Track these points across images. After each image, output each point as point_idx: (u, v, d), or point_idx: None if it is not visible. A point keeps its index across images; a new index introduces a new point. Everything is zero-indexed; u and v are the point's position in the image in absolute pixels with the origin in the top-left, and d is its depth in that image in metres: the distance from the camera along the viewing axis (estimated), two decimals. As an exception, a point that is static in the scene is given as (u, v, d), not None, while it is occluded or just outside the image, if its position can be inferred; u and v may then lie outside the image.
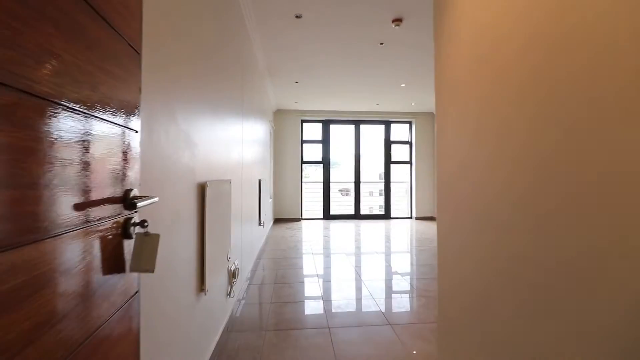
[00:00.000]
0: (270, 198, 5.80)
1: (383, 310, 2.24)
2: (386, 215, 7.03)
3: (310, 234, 5.29)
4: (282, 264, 3.46)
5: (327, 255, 3.88)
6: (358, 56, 3.65)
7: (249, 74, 2.90)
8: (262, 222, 3.82)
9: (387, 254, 3.96)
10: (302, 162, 6.83)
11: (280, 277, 3.01)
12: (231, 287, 2.04)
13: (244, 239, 2.69)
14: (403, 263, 3.58)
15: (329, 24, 2.86)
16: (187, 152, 1.24)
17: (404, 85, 4.81)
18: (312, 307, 2.32)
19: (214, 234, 1.54)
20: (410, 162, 7.14)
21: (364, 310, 2.27)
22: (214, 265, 1.55)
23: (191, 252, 1.29)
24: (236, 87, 2.30)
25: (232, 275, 2.07)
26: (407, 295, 2.57)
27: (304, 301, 2.45)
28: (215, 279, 1.61)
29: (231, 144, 2.12)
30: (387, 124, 7.04)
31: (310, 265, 3.44)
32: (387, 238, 5.01)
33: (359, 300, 2.46)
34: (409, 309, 2.28)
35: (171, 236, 1.07)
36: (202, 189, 1.41)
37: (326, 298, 2.48)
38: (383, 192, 7.12)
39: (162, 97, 1.01)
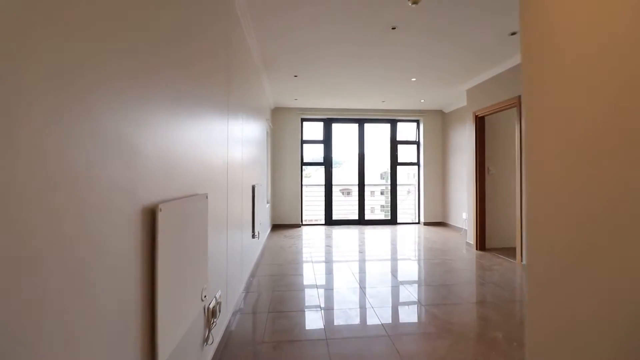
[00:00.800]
0: (267, 203, 5.36)
1: (402, 355, 1.79)
2: (392, 221, 6.57)
3: (311, 243, 4.83)
4: (278, 283, 3.01)
5: (329, 271, 3.43)
6: (366, 45, 3.19)
7: (237, 61, 2.44)
8: (256, 233, 3.37)
9: (398, 270, 3.50)
10: (302, 163, 6.38)
11: (276, 302, 2.55)
12: (209, 331, 1.58)
13: (232, 259, 2.24)
14: (417, 282, 3.12)
15: (332, 1, 2.40)
16: (120, 163, 0.79)
17: (414, 79, 4.34)
18: (314, 350, 1.87)
19: (176, 275, 1.09)
20: (417, 164, 6.68)
21: (378, 355, 1.81)
22: (176, 319, 1.10)
23: (128, 316, 0.83)
24: (218, 75, 1.85)
25: (212, 314, 1.62)
26: (429, 330, 2.11)
27: (303, 340, 1.99)
28: (180, 334, 1.15)
29: (211, 146, 1.66)
30: (393, 123, 6.58)
31: (312, 285, 2.98)
32: (396, 248, 4.56)
33: (371, 339, 1.99)
34: (435, 352, 1.82)
35: (73, 313, 0.61)
36: (150, 216, 0.95)
37: (330, 335, 2.03)
38: (389, 194, 6.66)
39: (48, 58, 0.56)
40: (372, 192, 7.00)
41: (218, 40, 1.83)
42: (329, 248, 4.48)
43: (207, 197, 1.50)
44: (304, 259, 3.86)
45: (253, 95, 3.38)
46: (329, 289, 2.88)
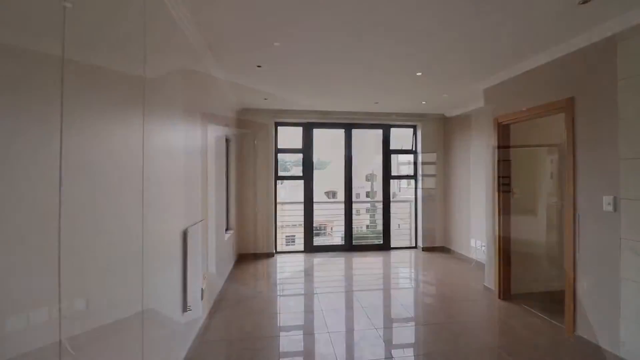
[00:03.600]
0: (228, 231, 4.17)
1: None
2: (385, 245, 5.48)
3: (286, 287, 3.66)
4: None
5: (307, 358, 2.28)
6: (360, 13, 2.07)
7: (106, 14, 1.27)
8: (189, 304, 2.18)
9: (404, 349, 2.40)
10: (277, 177, 5.20)
11: None
12: None
13: None
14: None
15: None
16: None
17: (419, 73, 3.27)
18: None
19: None
20: (414, 176, 5.64)
21: None
22: None
23: None
24: None
25: None
26: None
27: None
28: None
29: None
30: (387, 128, 5.51)
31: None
32: (395, 299, 3.46)
33: None
34: None
35: None
36: None
37: None
38: (381, 213, 5.59)
39: None
40: (359, 201, 5.92)
41: None
42: (308, 300, 3.33)
43: None
44: (274, 331, 2.69)
45: (180, 86, 2.19)
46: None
